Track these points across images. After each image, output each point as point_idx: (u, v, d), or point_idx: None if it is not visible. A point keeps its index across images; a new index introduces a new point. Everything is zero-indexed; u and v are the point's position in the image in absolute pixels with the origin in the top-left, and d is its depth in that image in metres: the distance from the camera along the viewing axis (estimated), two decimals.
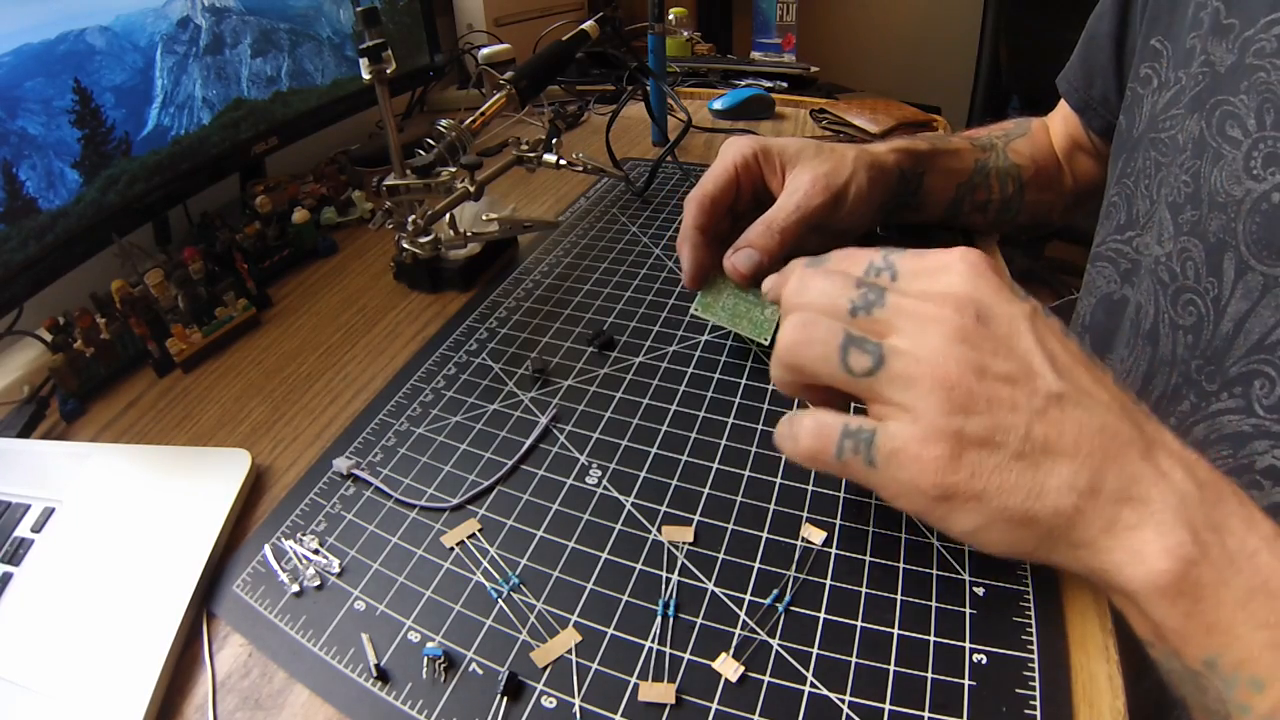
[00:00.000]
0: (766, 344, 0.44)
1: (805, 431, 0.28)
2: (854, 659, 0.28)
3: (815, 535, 0.33)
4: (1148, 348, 0.41)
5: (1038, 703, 0.26)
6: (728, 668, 0.28)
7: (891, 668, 0.27)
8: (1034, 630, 0.28)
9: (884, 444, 0.26)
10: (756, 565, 0.32)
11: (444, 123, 0.54)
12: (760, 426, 0.39)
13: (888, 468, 0.26)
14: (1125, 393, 0.26)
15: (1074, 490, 0.24)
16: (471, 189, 0.52)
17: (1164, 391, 0.40)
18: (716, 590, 0.31)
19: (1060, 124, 0.59)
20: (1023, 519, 0.24)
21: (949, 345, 0.26)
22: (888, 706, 0.26)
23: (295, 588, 0.32)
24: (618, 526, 0.34)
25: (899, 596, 0.30)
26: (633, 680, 0.27)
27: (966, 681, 0.27)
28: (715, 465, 0.37)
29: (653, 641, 0.29)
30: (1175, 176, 0.40)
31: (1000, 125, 0.61)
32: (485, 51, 0.88)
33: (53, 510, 0.36)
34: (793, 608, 0.30)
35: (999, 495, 0.24)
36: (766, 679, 0.27)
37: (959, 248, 0.29)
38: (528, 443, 0.39)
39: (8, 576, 0.33)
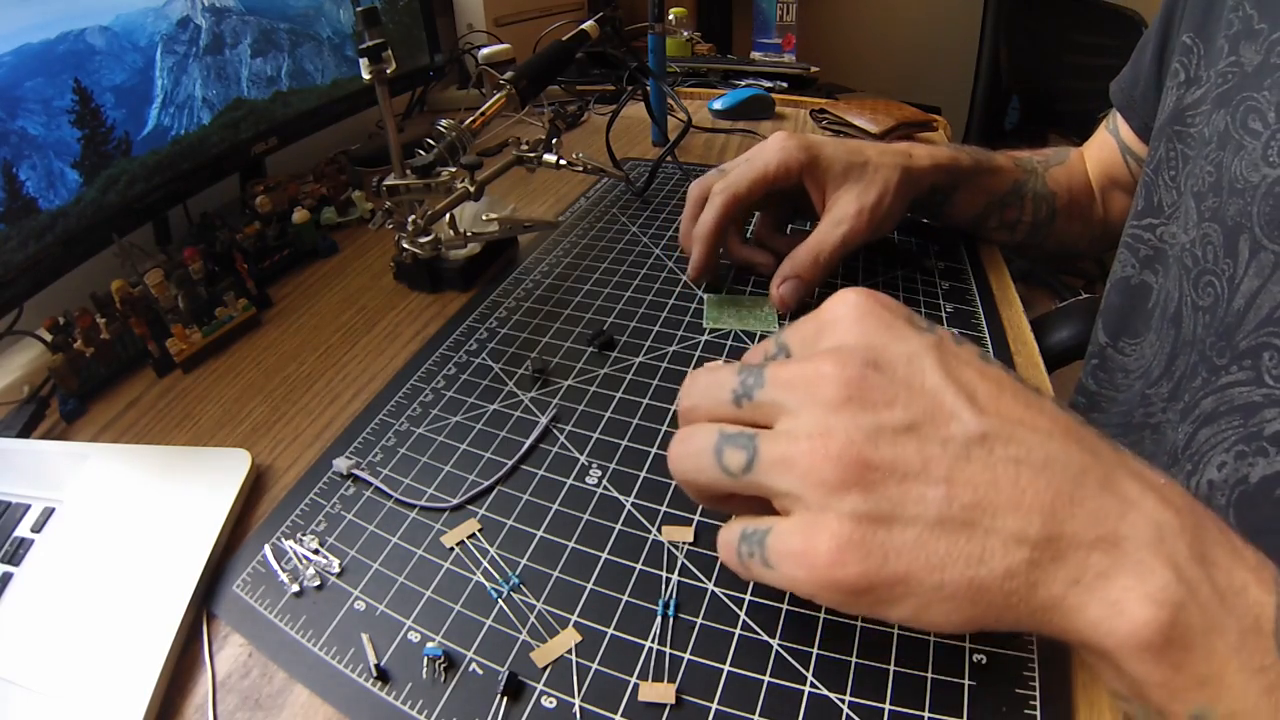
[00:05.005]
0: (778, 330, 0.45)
1: (719, 543, 0.25)
2: (854, 659, 0.28)
3: None
4: (1171, 330, 0.43)
5: (1037, 703, 0.26)
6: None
7: (891, 667, 0.27)
8: None
9: (775, 544, 0.22)
10: None
11: (444, 123, 0.54)
12: None
13: (783, 568, 0.22)
14: (1068, 414, 0.23)
15: (1024, 543, 0.20)
16: (471, 189, 0.51)
17: (1184, 371, 0.41)
18: (716, 590, 0.31)
19: (1096, 154, 0.60)
20: (969, 591, 0.20)
21: (829, 411, 0.22)
22: (888, 706, 0.26)
23: (295, 588, 0.32)
24: (618, 526, 0.34)
25: None
26: (633, 680, 0.27)
27: (966, 681, 0.27)
28: None
29: (653, 641, 0.29)
30: (1200, 168, 0.42)
31: (1040, 151, 0.61)
32: (485, 51, 0.88)
33: (53, 510, 0.36)
34: (793, 607, 0.30)
35: (929, 573, 0.20)
36: (766, 679, 0.27)
37: (839, 291, 0.25)
38: (528, 443, 0.39)
39: (8, 576, 0.33)
